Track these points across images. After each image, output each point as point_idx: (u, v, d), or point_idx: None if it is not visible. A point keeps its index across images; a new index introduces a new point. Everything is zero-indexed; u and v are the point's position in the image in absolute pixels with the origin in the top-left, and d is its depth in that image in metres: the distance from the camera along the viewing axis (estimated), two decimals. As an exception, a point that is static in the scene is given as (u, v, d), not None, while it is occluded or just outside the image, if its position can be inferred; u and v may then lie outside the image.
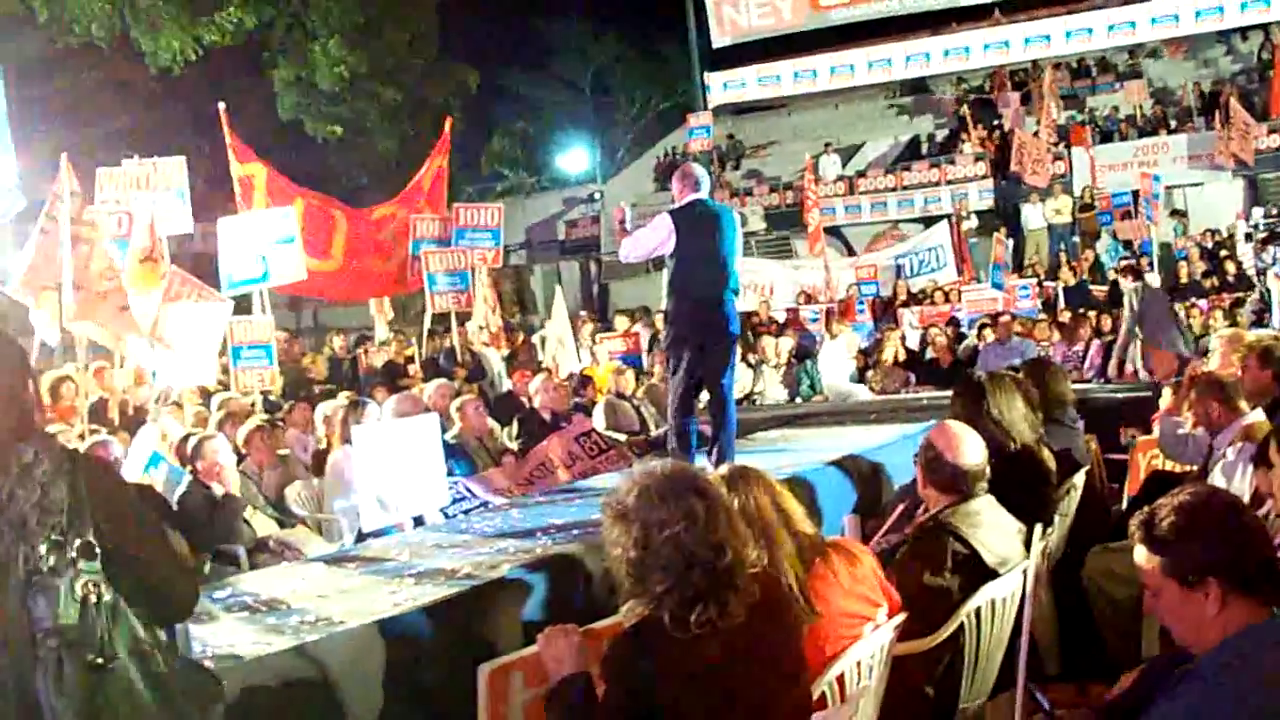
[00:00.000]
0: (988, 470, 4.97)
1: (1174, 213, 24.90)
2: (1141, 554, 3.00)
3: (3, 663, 2.70)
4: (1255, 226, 24.23)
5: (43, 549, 2.72)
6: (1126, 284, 14.74)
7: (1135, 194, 23.47)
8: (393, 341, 16.97)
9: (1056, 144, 27.46)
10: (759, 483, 4.08)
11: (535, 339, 17.47)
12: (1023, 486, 5.53)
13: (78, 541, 2.74)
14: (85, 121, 26.62)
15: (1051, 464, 6.15)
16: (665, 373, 9.47)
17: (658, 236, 7.98)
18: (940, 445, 4.94)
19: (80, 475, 2.86)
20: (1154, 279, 19.18)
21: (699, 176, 8.10)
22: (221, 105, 14.02)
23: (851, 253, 28.27)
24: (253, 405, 11.87)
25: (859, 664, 3.90)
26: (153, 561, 3.00)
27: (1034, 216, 26.11)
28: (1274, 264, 19.78)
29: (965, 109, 31.45)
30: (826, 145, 31.89)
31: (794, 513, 4.10)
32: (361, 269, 15.79)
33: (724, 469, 4.29)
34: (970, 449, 4.92)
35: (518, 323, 21.47)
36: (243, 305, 12.57)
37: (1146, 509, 3.04)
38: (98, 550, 2.76)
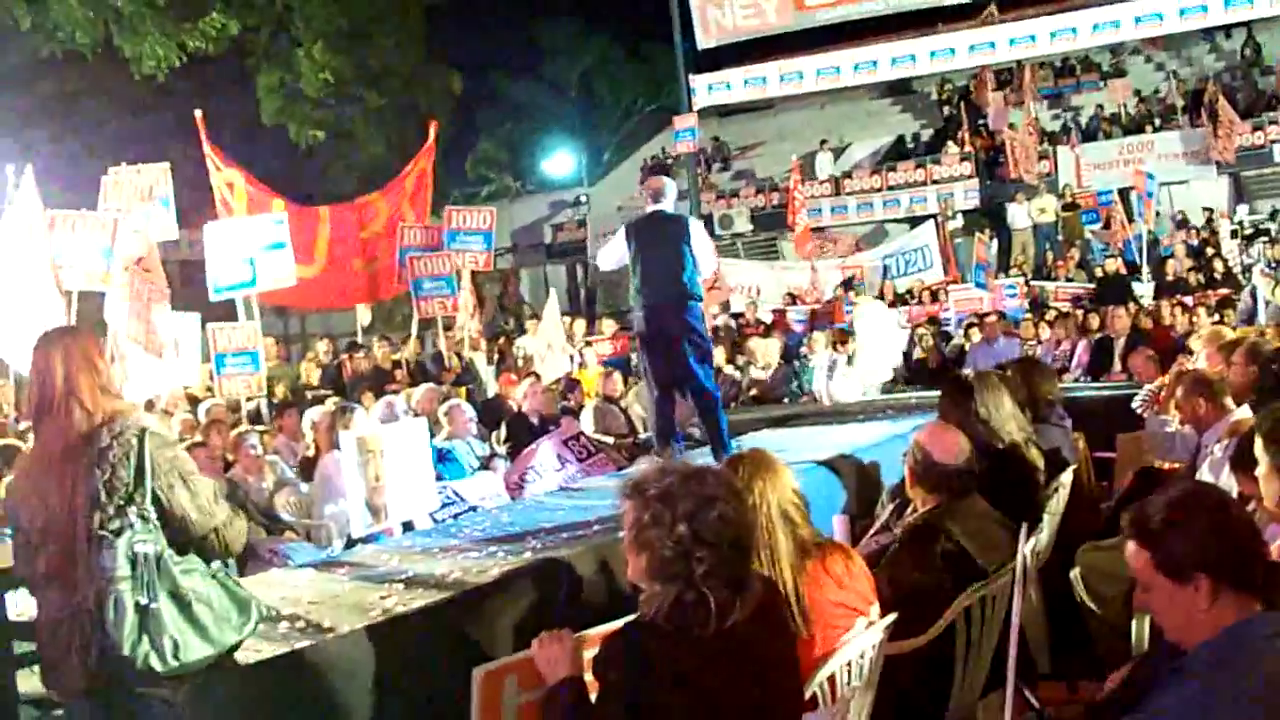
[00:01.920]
0: (976, 470, 4.98)
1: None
2: (1132, 549, 3.00)
3: (86, 598, 3.68)
4: (1240, 224, 24.34)
5: (111, 514, 3.68)
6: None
7: (1123, 192, 23.58)
8: (378, 346, 16.97)
9: (1041, 143, 27.57)
10: (770, 477, 4.12)
11: (520, 343, 17.44)
12: (1011, 486, 5.54)
13: (134, 511, 3.70)
14: (70, 129, 26.57)
15: (1039, 463, 6.16)
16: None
17: (619, 247, 8.48)
18: (929, 446, 4.95)
19: (145, 451, 3.77)
20: (1146, 284, 19.31)
21: (659, 188, 8.58)
22: (199, 113, 13.98)
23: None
24: (239, 413, 11.87)
25: (850, 664, 3.90)
26: (198, 519, 3.89)
27: (1020, 216, 26.20)
28: (1259, 261, 19.82)
29: (953, 108, 31.59)
30: (822, 142, 32.06)
31: (797, 511, 4.14)
32: (345, 272, 15.79)
33: (741, 451, 4.33)
34: (958, 450, 4.92)
35: (509, 327, 21.43)
36: (226, 313, 12.51)
37: (1137, 504, 3.05)
38: (150, 516, 3.74)
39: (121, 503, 3.71)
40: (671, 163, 34.19)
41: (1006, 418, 6.01)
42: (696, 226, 8.51)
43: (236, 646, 3.98)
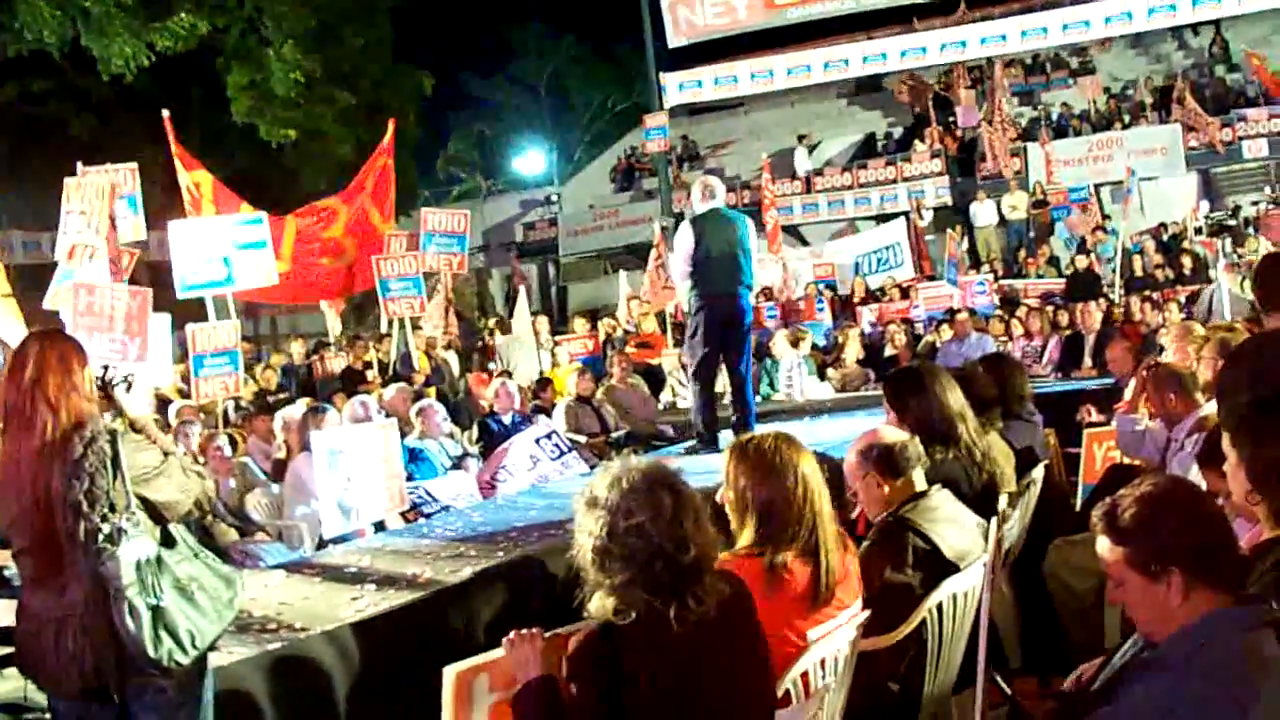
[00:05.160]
0: (921, 449, 4.97)
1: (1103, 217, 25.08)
2: (1104, 545, 3.00)
3: (76, 603, 3.79)
4: (1205, 218, 24.48)
5: (99, 524, 3.75)
6: None
7: (1094, 188, 23.68)
8: (351, 348, 16.89)
9: (1014, 139, 27.72)
10: (805, 453, 4.23)
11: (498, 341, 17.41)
12: (965, 478, 5.53)
13: (120, 516, 3.79)
14: (38, 129, 26.39)
15: (1000, 455, 6.11)
16: (686, 363, 10.55)
17: (686, 242, 9.17)
18: (868, 440, 4.95)
19: (120, 456, 3.84)
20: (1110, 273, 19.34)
21: (715, 187, 9.47)
22: (165, 113, 13.84)
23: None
24: (214, 413, 11.82)
25: (822, 661, 3.89)
26: (181, 498, 4.05)
27: (983, 213, 26.31)
28: (1221, 256, 19.83)
29: (924, 105, 31.72)
30: (800, 138, 32.11)
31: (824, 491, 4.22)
32: (313, 268, 15.67)
33: (773, 432, 4.35)
34: (891, 430, 4.97)
35: (482, 326, 21.39)
36: (193, 314, 12.39)
37: (1109, 500, 3.05)
38: (137, 517, 3.84)
39: (106, 510, 3.78)
40: (642, 161, 34.23)
41: (956, 409, 5.89)
42: (752, 225, 9.41)
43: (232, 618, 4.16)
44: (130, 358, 10.20)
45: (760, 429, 8.93)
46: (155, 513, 3.98)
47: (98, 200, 11.65)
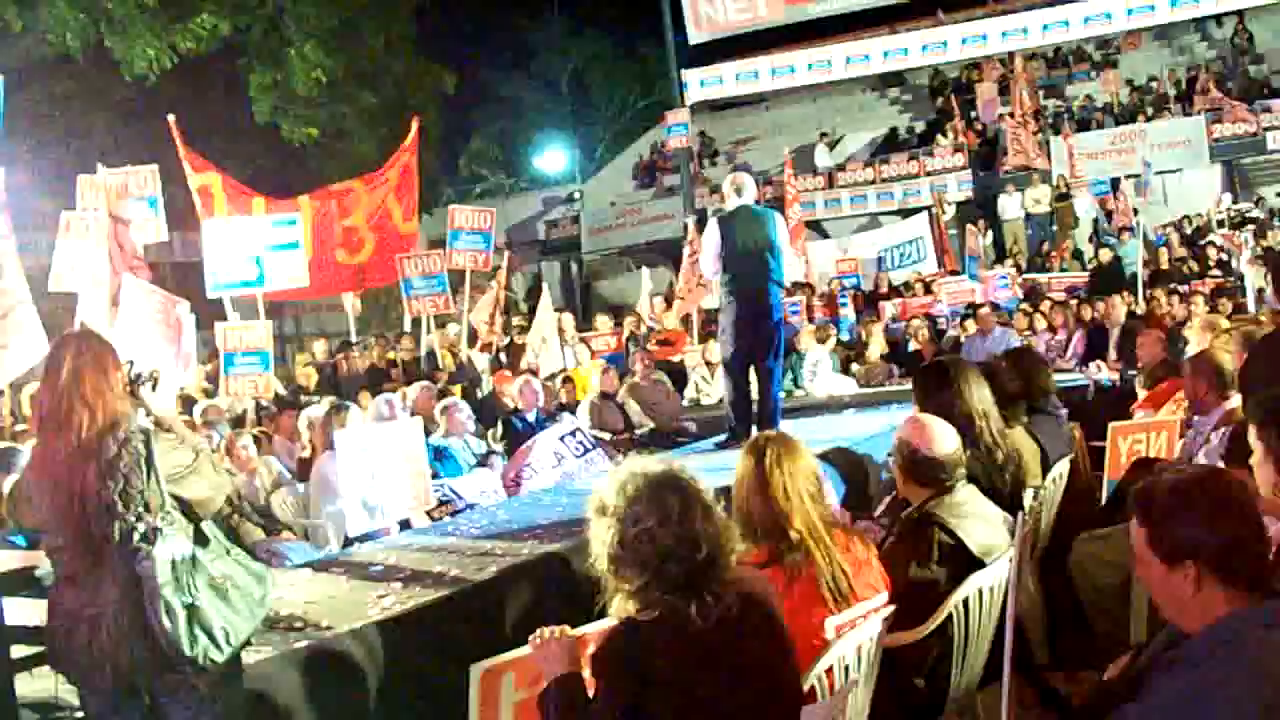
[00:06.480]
0: (964, 457, 4.96)
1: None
2: (1134, 523, 2.99)
3: (110, 601, 3.80)
4: (1226, 211, 24.38)
5: (134, 523, 3.80)
6: None
7: (1114, 182, 23.58)
8: (375, 346, 16.92)
9: (1037, 132, 27.61)
10: (794, 457, 4.25)
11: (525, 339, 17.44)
12: (983, 474, 5.51)
13: (156, 516, 3.85)
14: (61, 132, 26.46)
15: (1025, 450, 6.09)
16: (719, 359, 10.86)
17: (714, 241, 9.31)
18: (914, 440, 4.91)
19: (154, 456, 3.89)
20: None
21: (745, 184, 9.53)
22: (171, 117, 13.89)
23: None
24: (244, 413, 11.86)
25: (848, 656, 3.89)
26: (213, 494, 4.14)
27: (1010, 207, 26.22)
28: (1245, 249, 19.72)
29: (947, 100, 31.62)
30: (822, 135, 32.08)
31: (817, 489, 4.27)
32: (329, 262, 15.66)
33: (766, 433, 4.40)
34: (943, 438, 4.89)
35: (503, 324, 21.40)
36: (221, 313, 12.43)
37: (1147, 480, 3.03)
38: (173, 517, 3.91)
39: (141, 510, 3.83)
40: (665, 158, 34.19)
41: (981, 405, 5.85)
42: (781, 221, 9.50)
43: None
44: (172, 363, 10.27)
45: (784, 425, 8.98)
46: (189, 511, 4.02)
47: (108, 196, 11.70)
